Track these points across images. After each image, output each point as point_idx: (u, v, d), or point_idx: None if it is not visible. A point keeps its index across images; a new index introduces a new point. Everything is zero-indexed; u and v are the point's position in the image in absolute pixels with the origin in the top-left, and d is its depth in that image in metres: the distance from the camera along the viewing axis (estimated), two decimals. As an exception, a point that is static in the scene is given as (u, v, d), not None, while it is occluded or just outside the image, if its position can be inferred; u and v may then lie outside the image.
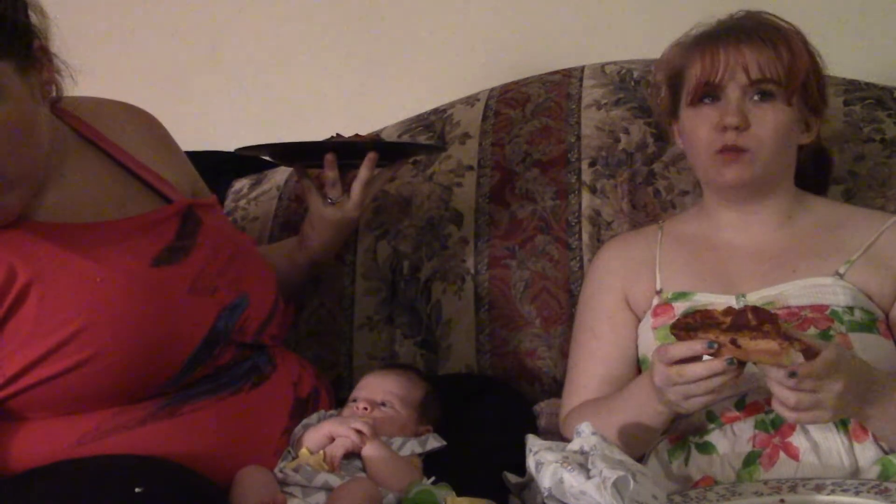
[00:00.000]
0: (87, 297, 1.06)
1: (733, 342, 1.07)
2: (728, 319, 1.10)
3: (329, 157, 1.35)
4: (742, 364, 1.09)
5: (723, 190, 1.36)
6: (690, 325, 1.11)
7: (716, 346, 1.08)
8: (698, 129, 1.33)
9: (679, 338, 1.12)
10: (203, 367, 1.14)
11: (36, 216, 1.10)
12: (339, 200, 1.38)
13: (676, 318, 1.23)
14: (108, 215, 1.15)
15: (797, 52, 1.30)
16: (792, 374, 1.05)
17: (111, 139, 1.24)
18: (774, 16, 1.35)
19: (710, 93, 1.32)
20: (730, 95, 1.30)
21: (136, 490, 0.89)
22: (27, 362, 1.04)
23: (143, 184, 1.23)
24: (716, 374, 1.09)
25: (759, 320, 1.08)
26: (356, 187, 1.37)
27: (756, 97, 1.30)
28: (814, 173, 1.45)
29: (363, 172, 1.36)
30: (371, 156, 1.36)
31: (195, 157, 1.47)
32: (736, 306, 1.29)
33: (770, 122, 1.29)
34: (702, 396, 1.11)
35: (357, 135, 1.47)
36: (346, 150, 1.38)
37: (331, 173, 1.36)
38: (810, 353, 1.06)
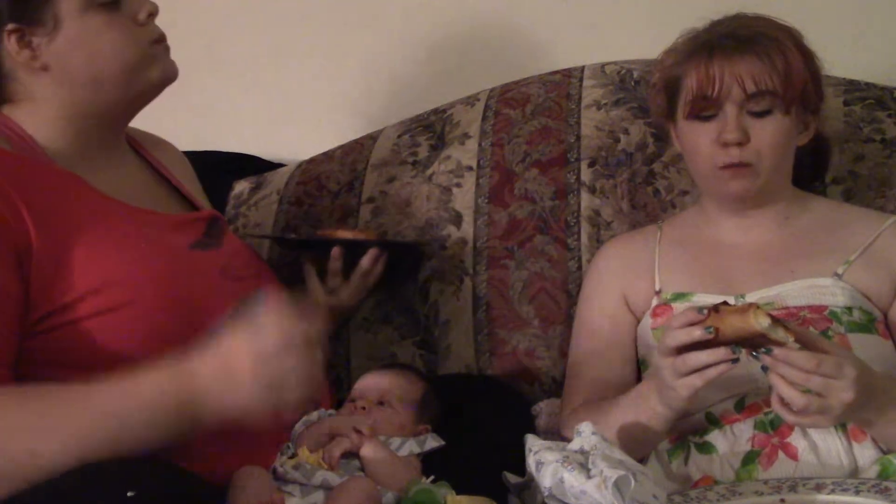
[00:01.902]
0: (131, 257, 1.12)
1: (715, 309, 1.10)
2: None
3: (336, 250, 1.47)
4: (734, 351, 1.10)
5: (725, 200, 1.37)
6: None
7: (706, 311, 1.10)
8: (697, 143, 1.32)
9: None
10: None
11: (97, 185, 1.17)
12: (337, 288, 1.49)
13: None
14: (150, 207, 1.24)
15: (792, 59, 1.29)
16: (767, 351, 1.08)
17: (155, 155, 1.36)
18: (768, 18, 1.34)
19: (707, 108, 1.31)
20: (727, 111, 1.29)
21: (129, 494, 0.89)
22: (76, 295, 1.07)
23: (178, 193, 1.34)
24: (709, 354, 1.10)
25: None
26: (356, 277, 1.49)
27: (754, 111, 1.29)
28: (810, 165, 1.44)
29: (366, 262, 1.48)
30: (374, 251, 1.49)
31: (195, 157, 1.47)
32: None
33: (769, 135, 1.29)
34: (693, 376, 1.11)
35: (347, 229, 1.60)
36: (351, 248, 1.49)
37: (336, 265, 1.47)
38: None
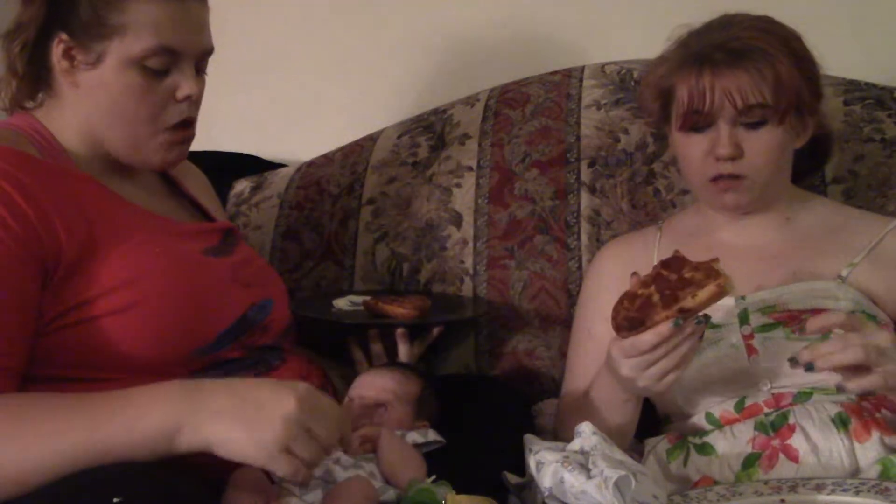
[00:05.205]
0: (144, 259, 1.14)
1: (681, 311, 1.09)
2: (650, 290, 1.11)
3: (373, 332, 1.46)
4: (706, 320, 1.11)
5: (719, 211, 1.38)
6: (634, 321, 1.12)
7: (681, 322, 1.10)
8: (690, 155, 1.33)
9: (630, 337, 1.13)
10: (230, 347, 1.19)
11: (115, 190, 1.20)
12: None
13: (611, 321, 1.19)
14: (167, 216, 1.27)
15: (782, 69, 1.28)
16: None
17: (174, 176, 1.38)
18: (761, 23, 1.33)
19: (699, 121, 1.31)
20: (720, 126, 1.29)
21: (115, 501, 0.87)
22: (90, 295, 1.09)
23: (195, 208, 1.38)
24: (687, 338, 1.11)
25: (676, 271, 1.11)
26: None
27: (746, 123, 1.29)
28: (809, 161, 1.43)
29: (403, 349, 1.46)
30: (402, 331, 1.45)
31: (195, 157, 1.47)
32: (735, 308, 1.29)
33: (763, 148, 1.29)
34: (676, 370, 1.13)
35: (378, 300, 1.49)
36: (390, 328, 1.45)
37: (377, 347, 1.47)
38: None
